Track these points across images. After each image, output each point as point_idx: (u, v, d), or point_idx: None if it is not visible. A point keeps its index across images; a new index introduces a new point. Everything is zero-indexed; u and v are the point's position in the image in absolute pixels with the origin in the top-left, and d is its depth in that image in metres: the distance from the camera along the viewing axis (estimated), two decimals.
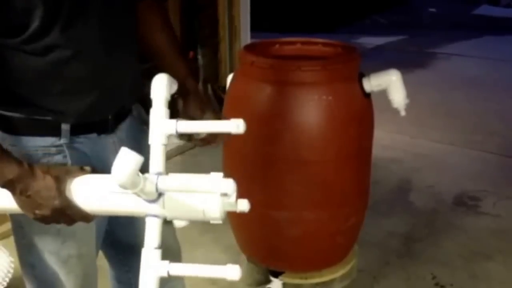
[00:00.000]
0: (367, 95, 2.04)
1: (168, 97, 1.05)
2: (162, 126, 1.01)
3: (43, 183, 1.00)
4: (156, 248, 0.96)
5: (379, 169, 2.47)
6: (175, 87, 1.10)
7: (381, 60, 3.87)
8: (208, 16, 3.69)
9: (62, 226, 1.07)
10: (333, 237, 2.16)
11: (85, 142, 1.16)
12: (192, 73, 1.29)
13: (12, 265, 1.88)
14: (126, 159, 0.87)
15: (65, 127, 1.11)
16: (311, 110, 1.94)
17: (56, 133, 1.11)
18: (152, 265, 0.94)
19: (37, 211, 1.01)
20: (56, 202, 1.00)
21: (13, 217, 1.19)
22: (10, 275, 1.91)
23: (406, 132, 3.96)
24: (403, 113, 2.08)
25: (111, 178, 0.90)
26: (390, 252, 2.56)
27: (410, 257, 2.53)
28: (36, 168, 1.02)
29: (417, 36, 7.55)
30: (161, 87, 1.04)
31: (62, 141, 1.12)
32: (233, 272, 0.92)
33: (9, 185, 1.00)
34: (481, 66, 5.94)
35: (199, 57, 3.71)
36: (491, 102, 4.71)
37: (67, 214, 1.02)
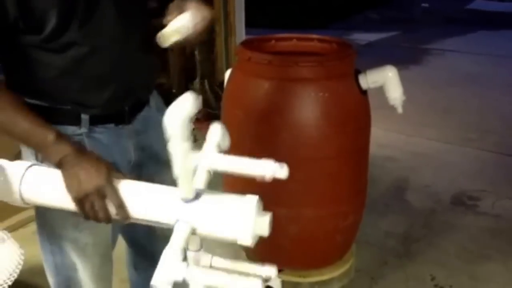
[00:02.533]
0: (364, 92, 2.02)
1: (188, 130, 0.91)
2: (186, 162, 0.93)
3: (95, 162, 1.06)
4: (179, 250, 0.93)
5: (375, 168, 2.44)
6: (197, 107, 0.92)
7: (374, 57, 3.83)
8: None
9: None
10: (332, 235, 2.14)
11: (104, 132, 1.21)
12: None
13: (23, 257, 1.89)
14: (180, 105, 0.86)
15: (84, 117, 1.17)
16: (308, 106, 1.93)
17: (76, 122, 1.17)
18: (171, 268, 0.91)
19: (82, 186, 1.03)
20: (102, 181, 1.03)
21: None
22: (20, 267, 1.91)
23: (402, 130, 3.93)
24: (400, 110, 2.07)
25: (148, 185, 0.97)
26: (388, 252, 2.52)
27: (408, 257, 2.49)
28: (89, 152, 1.10)
29: (410, 32, 7.53)
30: (177, 121, 0.89)
31: (82, 130, 1.18)
32: (270, 270, 0.97)
33: (64, 160, 1.05)
34: (476, 62, 5.92)
35: (196, 53, 3.72)
36: (487, 98, 4.69)
37: (106, 199, 1.04)
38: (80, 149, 1.09)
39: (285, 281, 2.15)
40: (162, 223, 1.01)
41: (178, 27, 1.14)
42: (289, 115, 1.90)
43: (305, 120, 1.91)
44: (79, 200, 1.05)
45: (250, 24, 4.00)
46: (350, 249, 2.30)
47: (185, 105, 0.88)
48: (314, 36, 2.25)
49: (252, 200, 0.95)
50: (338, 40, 2.21)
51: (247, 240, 0.94)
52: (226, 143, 1.05)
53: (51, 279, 1.33)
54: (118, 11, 1.13)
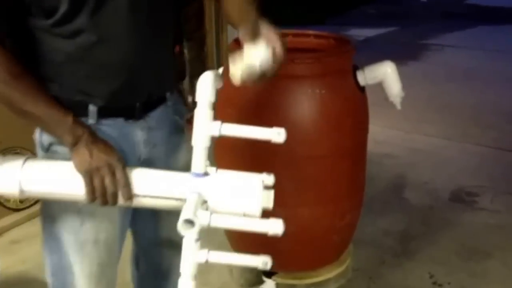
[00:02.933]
0: (362, 89, 2.00)
1: (213, 99, 1.05)
2: (206, 128, 1.04)
3: (108, 144, 1.11)
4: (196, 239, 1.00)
5: (373, 165, 2.42)
6: (221, 83, 1.09)
7: (372, 53, 3.80)
8: (194, 9, 3.63)
9: (83, 206, 1.13)
10: (328, 235, 2.11)
11: (112, 125, 1.19)
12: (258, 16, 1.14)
13: None
14: (206, 78, 1.00)
15: (92, 108, 1.16)
16: (304, 104, 1.90)
17: (84, 113, 1.15)
18: (192, 251, 1.00)
19: (94, 159, 1.06)
20: (114, 158, 1.08)
21: None
22: None
23: (400, 126, 3.90)
24: (399, 106, 2.06)
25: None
26: (386, 251, 2.50)
27: (406, 255, 2.47)
28: (102, 137, 1.13)
29: (408, 27, 7.50)
30: (206, 88, 1.05)
31: (90, 122, 1.16)
32: (263, 261, 1.01)
33: (79, 139, 1.08)
34: (475, 58, 5.90)
35: (185, 51, 3.67)
36: (486, 94, 4.67)
37: (114, 176, 1.07)
38: (94, 133, 1.12)
39: (280, 283, 2.12)
40: (173, 198, 1.05)
41: (257, 62, 1.04)
42: (285, 113, 1.87)
43: (301, 118, 1.89)
44: (89, 174, 1.07)
45: None
46: (347, 249, 2.28)
47: (214, 75, 1.04)
48: (311, 32, 2.22)
49: (258, 176, 1.04)
50: (335, 36, 2.18)
51: (256, 211, 1.02)
52: (220, 84, 1.10)
53: (48, 281, 1.31)
54: (132, 4, 1.11)
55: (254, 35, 1.09)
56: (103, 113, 1.18)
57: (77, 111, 1.14)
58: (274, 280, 2.12)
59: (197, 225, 0.98)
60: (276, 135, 1.03)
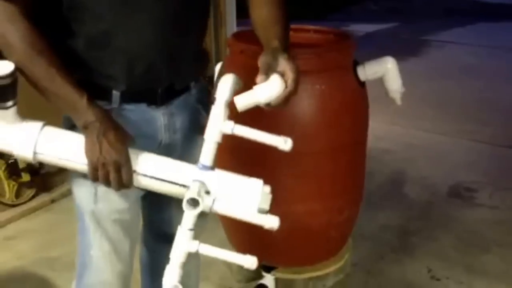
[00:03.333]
0: (362, 84, 1.99)
1: (231, 98, 1.09)
2: (220, 125, 1.08)
3: (119, 134, 1.11)
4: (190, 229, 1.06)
5: (371, 160, 2.43)
6: (241, 84, 1.13)
7: (372, 48, 3.80)
8: None
9: (97, 186, 1.16)
10: (327, 230, 2.11)
11: (134, 111, 1.21)
12: (283, 45, 1.10)
13: None
14: (228, 79, 1.07)
15: (115, 93, 1.18)
16: (304, 99, 1.88)
17: (107, 97, 1.18)
18: (184, 240, 1.05)
19: (102, 155, 1.08)
20: (122, 157, 1.09)
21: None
22: None
23: (398, 122, 3.91)
24: (399, 102, 2.06)
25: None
26: (385, 245, 2.51)
27: (404, 250, 2.48)
28: (115, 122, 1.13)
29: (409, 23, 7.49)
30: (225, 88, 1.09)
31: (112, 106, 1.18)
32: (250, 261, 1.04)
33: (91, 125, 1.09)
34: (475, 54, 5.90)
35: None
36: (485, 90, 4.68)
37: (119, 173, 1.09)
38: (107, 118, 1.12)
39: (278, 278, 2.12)
40: (177, 184, 1.10)
41: (262, 100, 1.04)
42: (284, 109, 1.86)
43: (301, 114, 1.88)
44: (95, 166, 1.09)
45: (241, 14, 3.95)
46: (346, 244, 2.28)
47: (235, 78, 1.10)
48: (311, 27, 2.22)
49: (259, 179, 1.11)
50: (336, 31, 2.18)
51: (253, 209, 1.08)
52: (240, 85, 1.14)
53: (76, 261, 1.35)
54: None
55: (270, 69, 1.05)
56: (125, 98, 1.20)
57: (101, 95, 1.16)
58: (273, 274, 2.12)
59: (201, 206, 1.03)
60: (283, 143, 1.09)
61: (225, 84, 1.10)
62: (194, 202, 1.04)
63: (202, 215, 1.07)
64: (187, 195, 1.04)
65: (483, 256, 2.44)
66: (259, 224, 1.08)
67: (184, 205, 1.04)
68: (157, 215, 1.46)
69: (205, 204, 1.05)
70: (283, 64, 1.05)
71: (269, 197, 1.10)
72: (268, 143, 1.10)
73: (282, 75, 1.05)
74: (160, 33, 1.16)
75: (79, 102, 1.10)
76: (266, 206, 1.10)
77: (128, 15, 1.13)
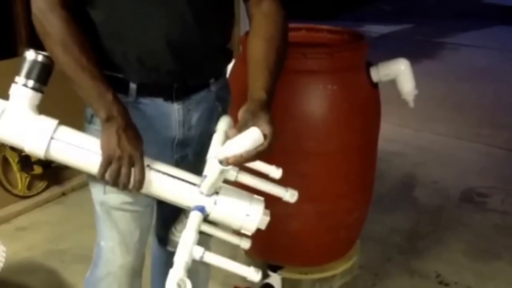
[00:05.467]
0: (375, 85, 1.98)
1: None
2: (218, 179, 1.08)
3: (137, 133, 1.13)
4: (195, 231, 1.05)
5: (382, 162, 2.42)
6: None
7: (386, 50, 3.76)
8: None
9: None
10: (335, 231, 2.10)
11: (150, 104, 1.22)
12: (266, 102, 1.10)
13: (4, 255, 1.85)
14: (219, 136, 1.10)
15: (132, 86, 1.20)
16: (315, 99, 1.89)
17: (124, 90, 1.19)
18: (188, 246, 1.03)
19: (119, 147, 1.09)
20: (138, 152, 1.10)
21: None
22: (1, 264, 1.87)
23: (411, 124, 3.88)
24: (411, 104, 2.04)
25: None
26: (393, 248, 2.49)
27: (413, 254, 2.46)
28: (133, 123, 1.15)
29: (424, 24, 7.43)
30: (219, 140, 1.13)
31: (129, 99, 1.20)
32: (254, 273, 1.03)
33: (112, 119, 1.11)
34: (490, 57, 5.84)
35: None
36: (500, 94, 4.62)
37: (131, 169, 1.10)
38: (129, 116, 1.14)
39: (285, 278, 2.12)
40: (180, 205, 1.13)
41: (237, 151, 1.00)
42: (295, 108, 1.86)
43: (312, 114, 1.88)
44: (109, 159, 1.09)
45: None
46: (354, 246, 2.27)
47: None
48: (324, 26, 2.21)
49: (260, 202, 1.12)
50: (349, 31, 2.17)
51: (251, 231, 1.11)
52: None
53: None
54: None
55: (247, 126, 1.03)
56: (142, 92, 1.21)
57: (118, 87, 1.17)
58: (279, 274, 2.12)
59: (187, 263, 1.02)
60: (290, 196, 1.18)
61: (218, 137, 1.12)
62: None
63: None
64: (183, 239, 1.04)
65: (493, 262, 2.41)
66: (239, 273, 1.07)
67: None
68: (168, 207, 1.46)
69: (194, 257, 1.04)
70: (263, 126, 1.03)
71: (267, 219, 1.11)
72: (273, 193, 1.15)
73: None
74: (177, 29, 1.16)
75: (105, 95, 1.11)
76: (263, 227, 1.11)
77: (145, 8, 1.13)
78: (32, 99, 1.13)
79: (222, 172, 1.01)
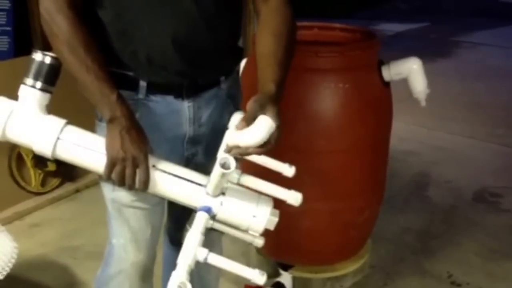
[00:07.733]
0: (386, 84, 1.97)
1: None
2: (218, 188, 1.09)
3: (142, 134, 1.13)
4: (200, 232, 1.05)
5: (395, 162, 2.41)
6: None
7: (401, 48, 3.76)
8: None
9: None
10: (346, 230, 2.10)
11: (161, 102, 1.22)
12: (275, 94, 1.09)
13: (16, 251, 1.86)
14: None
15: (142, 83, 1.20)
16: (327, 98, 1.88)
17: (134, 88, 1.20)
18: (192, 248, 1.04)
19: (123, 149, 1.09)
20: (142, 153, 1.10)
21: None
22: (13, 261, 1.88)
23: (425, 123, 3.85)
24: (423, 103, 2.04)
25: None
26: (405, 248, 2.48)
27: (425, 254, 2.44)
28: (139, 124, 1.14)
29: (439, 23, 7.36)
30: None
31: (139, 96, 1.20)
32: (258, 276, 1.02)
33: (117, 120, 1.11)
34: (507, 57, 5.77)
35: None
36: None
37: (135, 171, 1.10)
38: (133, 117, 1.14)
39: (296, 277, 2.12)
40: (187, 205, 1.13)
41: (244, 144, 1.00)
42: (307, 107, 1.86)
43: (324, 112, 1.87)
44: (114, 160, 1.09)
45: None
46: (365, 245, 2.27)
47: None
48: (337, 25, 2.21)
49: (268, 202, 1.10)
50: (362, 30, 2.16)
51: (259, 231, 1.10)
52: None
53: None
54: None
55: (254, 118, 1.02)
56: (152, 90, 1.20)
57: (128, 85, 1.18)
58: (290, 273, 2.12)
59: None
60: (294, 200, 1.13)
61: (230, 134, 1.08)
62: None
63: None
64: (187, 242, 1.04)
65: (505, 263, 2.39)
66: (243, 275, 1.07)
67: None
68: (179, 205, 1.47)
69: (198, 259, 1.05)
70: (270, 113, 1.04)
71: (275, 220, 1.11)
72: (276, 196, 1.13)
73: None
74: (184, 28, 1.16)
75: (109, 96, 1.11)
76: (271, 228, 1.11)
77: (152, 8, 1.14)
78: (40, 99, 1.14)
79: (223, 175, 1.01)
